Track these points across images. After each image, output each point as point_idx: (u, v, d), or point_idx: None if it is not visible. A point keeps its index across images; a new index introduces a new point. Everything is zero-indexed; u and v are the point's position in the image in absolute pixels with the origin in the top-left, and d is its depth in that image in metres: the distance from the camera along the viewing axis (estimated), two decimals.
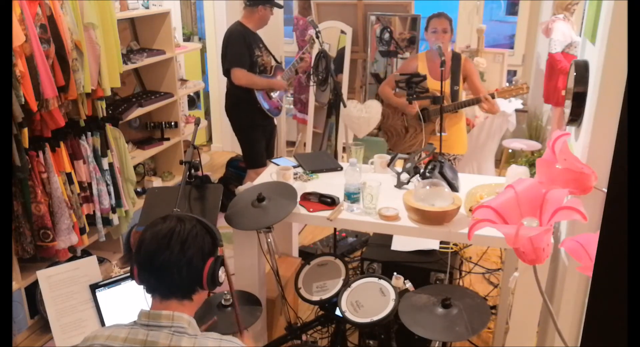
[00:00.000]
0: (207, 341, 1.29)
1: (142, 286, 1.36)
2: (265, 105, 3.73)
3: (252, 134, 3.80)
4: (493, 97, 3.06)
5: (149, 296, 1.37)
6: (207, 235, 1.37)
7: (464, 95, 3.46)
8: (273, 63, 3.84)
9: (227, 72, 3.64)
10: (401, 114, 3.40)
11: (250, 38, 3.65)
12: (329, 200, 2.25)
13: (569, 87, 2.00)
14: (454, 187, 2.35)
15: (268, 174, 2.59)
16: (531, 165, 4.27)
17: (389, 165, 2.61)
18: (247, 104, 3.69)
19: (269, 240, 2.32)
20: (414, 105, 3.25)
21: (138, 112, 3.71)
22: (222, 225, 2.49)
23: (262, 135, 3.86)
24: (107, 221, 3.17)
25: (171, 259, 1.30)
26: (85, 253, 3.08)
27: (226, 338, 1.32)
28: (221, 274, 1.39)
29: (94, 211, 3.06)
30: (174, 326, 1.28)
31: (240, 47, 3.58)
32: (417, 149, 3.32)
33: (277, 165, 2.65)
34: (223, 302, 2.01)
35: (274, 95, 3.83)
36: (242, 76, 3.59)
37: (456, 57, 3.27)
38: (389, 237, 2.75)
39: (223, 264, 1.40)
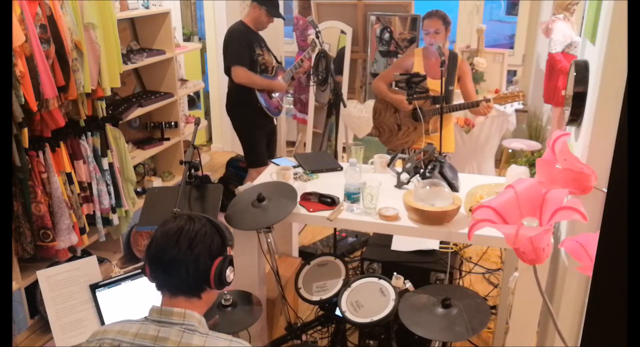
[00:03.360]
0: (217, 340, 1.30)
1: (153, 283, 1.39)
2: (265, 105, 3.72)
3: (253, 133, 3.79)
4: (488, 102, 3.07)
5: (157, 294, 1.39)
6: (216, 235, 1.39)
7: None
8: (274, 63, 3.84)
9: (227, 70, 3.64)
10: (394, 111, 3.39)
11: (251, 37, 3.65)
12: (329, 200, 2.25)
13: (569, 87, 2.00)
14: (454, 187, 2.35)
15: (268, 174, 2.59)
16: (531, 165, 4.27)
17: (389, 165, 2.61)
18: (247, 103, 3.69)
19: (269, 240, 2.32)
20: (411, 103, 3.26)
21: (138, 112, 3.70)
22: None
23: (263, 134, 3.85)
24: (107, 221, 3.16)
25: (179, 256, 1.33)
26: (85, 253, 3.08)
27: (237, 340, 1.33)
28: (229, 273, 1.40)
29: (94, 211, 3.06)
30: (185, 323, 1.30)
31: (240, 45, 3.58)
32: (410, 146, 3.34)
33: (277, 165, 2.65)
34: (223, 302, 2.01)
35: (275, 95, 3.83)
36: (242, 74, 3.58)
37: (453, 56, 3.27)
38: (389, 237, 2.75)
39: (232, 264, 1.41)
